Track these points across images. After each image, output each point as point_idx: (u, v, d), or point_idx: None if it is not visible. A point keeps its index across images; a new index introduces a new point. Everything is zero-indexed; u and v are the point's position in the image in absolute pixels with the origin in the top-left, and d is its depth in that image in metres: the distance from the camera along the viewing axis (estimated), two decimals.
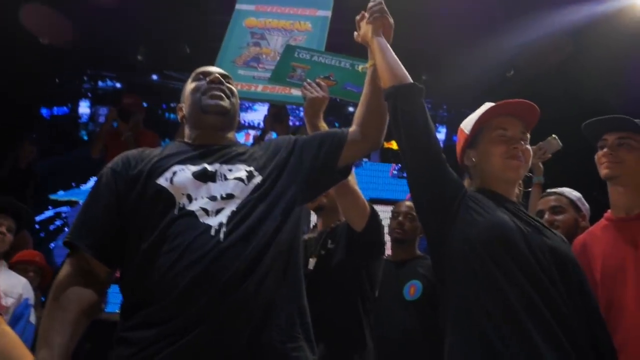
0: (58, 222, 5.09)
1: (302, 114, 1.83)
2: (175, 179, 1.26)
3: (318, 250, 2.00)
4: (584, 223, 2.12)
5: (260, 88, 2.04)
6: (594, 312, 1.25)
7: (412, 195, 1.37)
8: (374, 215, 1.88)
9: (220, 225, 1.18)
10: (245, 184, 1.28)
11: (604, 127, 1.71)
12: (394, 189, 5.22)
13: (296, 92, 1.96)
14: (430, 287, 2.21)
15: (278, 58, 2.10)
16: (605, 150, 1.67)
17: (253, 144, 4.45)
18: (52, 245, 4.91)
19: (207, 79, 1.44)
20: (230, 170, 1.31)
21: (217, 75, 1.44)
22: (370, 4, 1.54)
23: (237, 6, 2.45)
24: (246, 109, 5.71)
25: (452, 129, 5.88)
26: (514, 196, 1.39)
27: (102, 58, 5.39)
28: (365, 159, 5.36)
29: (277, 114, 3.96)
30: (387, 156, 5.46)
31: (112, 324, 1.21)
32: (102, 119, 5.75)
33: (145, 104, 4.93)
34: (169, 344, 1.07)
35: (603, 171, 1.67)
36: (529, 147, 1.37)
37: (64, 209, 5.08)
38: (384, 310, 2.17)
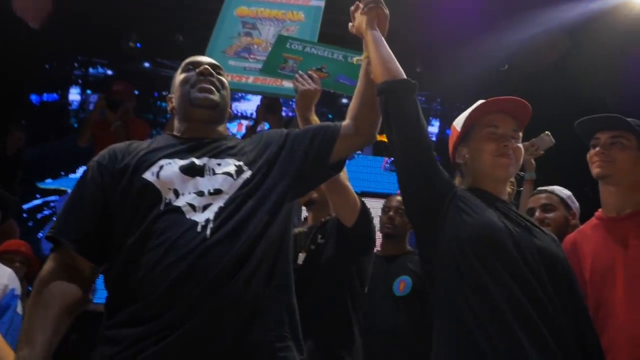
0: (46, 211, 5.04)
1: (295, 105, 1.80)
2: (162, 174, 1.23)
3: (308, 245, 1.98)
4: (574, 221, 2.13)
5: (251, 79, 2.00)
6: (583, 313, 1.25)
7: (401, 193, 1.35)
8: (365, 211, 1.86)
9: (207, 221, 1.16)
10: (234, 179, 1.25)
11: (596, 125, 1.70)
12: (385, 182, 5.20)
13: (288, 84, 1.92)
14: (420, 282, 2.21)
15: (270, 49, 2.06)
16: (597, 149, 1.66)
17: (245, 135, 4.46)
18: (40, 234, 4.86)
19: (197, 70, 1.40)
20: (219, 164, 1.28)
21: (207, 66, 1.40)
22: None
23: None
24: (239, 99, 5.66)
25: (446, 123, 5.88)
26: (505, 194, 1.38)
27: (94, 44, 5.30)
28: (357, 152, 5.34)
29: (270, 105, 3.92)
30: (380, 149, 5.45)
31: (99, 315, 1.18)
32: (92, 107, 5.68)
33: (136, 92, 4.89)
34: (154, 343, 1.04)
35: (595, 170, 1.66)
36: (520, 145, 1.35)
37: (52, 197, 5.03)
38: (373, 306, 2.17)
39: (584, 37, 3.95)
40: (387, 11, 1.48)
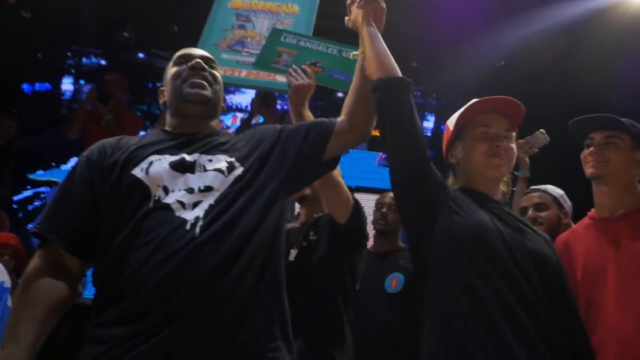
0: (37, 203, 4.99)
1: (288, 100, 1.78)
2: (151, 170, 1.21)
3: (300, 241, 1.97)
4: (567, 220, 2.14)
5: (244, 73, 1.97)
6: (573, 314, 1.24)
7: (394, 191, 1.34)
8: (358, 208, 1.84)
9: (197, 219, 1.14)
10: (225, 176, 1.23)
11: (590, 125, 1.69)
12: (380, 177, 5.18)
13: (281, 78, 1.90)
14: (412, 280, 2.20)
15: (263, 42, 2.04)
16: (591, 149, 1.66)
17: (239, 128, 4.42)
18: (31, 226, 4.79)
19: (189, 64, 1.37)
20: (210, 160, 1.26)
21: (199, 60, 1.37)
22: None
23: None
24: (234, 91, 5.62)
25: (441, 118, 5.87)
26: (498, 194, 1.37)
27: (87, 34, 5.23)
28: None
29: (265, 98, 3.88)
30: (374, 144, 5.42)
31: (89, 309, 1.16)
32: (85, 97, 5.65)
33: (130, 83, 4.83)
34: (141, 342, 1.03)
35: (588, 170, 1.66)
36: (512, 145, 1.34)
37: (43, 189, 4.98)
38: (365, 303, 2.16)
39: (582, 36, 3.94)
40: (383, 5, 1.44)
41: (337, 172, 1.72)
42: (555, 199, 2.13)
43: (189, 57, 1.39)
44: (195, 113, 1.35)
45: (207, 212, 1.15)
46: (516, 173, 2.38)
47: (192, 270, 1.07)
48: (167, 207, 1.16)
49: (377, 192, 3.62)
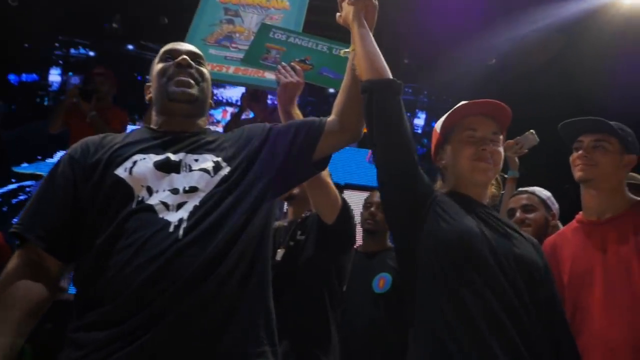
0: (22, 196, 4.92)
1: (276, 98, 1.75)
2: (135, 170, 1.17)
3: (287, 241, 1.95)
4: (554, 222, 2.15)
5: (232, 70, 1.92)
6: (560, 321, 1.23)
7: (380, 191, 1.32)
8: (346, 208, 1.82)
9: (181, 221, 1.11)
10: (211, 176, 1.20)
11: (579, 128, 1.69)
12: (370, 174, 5.16)
13: (270, 75, 1.86)
14: (399, 280, 2.19)
15: (252, 38, 2.00)
16: (580, 152, 1.66)
17: (229, 122, 4.37)
18: (15, 220, 4.69)
19: (175, 60, 1.32)
20: (196, 160, 1.23)
21: (186, 56, 1.33)
22: None
23: None
24: (224, 85, 5.56)
25: (432, 115, 5.87)
26: (486, 198, 1.35)
27: (75, 24, 5.14)
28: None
29: (255, 93, 3.84)
30: (364, 141, 5.39)
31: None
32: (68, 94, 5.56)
33: (119, 75, 4.76)
34: (120, 347, 1.00)
35: (577, 174, 1.66)
36: (500, 149, 1.32)
37: (28, 182, 4.90)
38: (352, 303, 2.15)
39: (573, 37, 3.95)
40: (375, 2, 1.41)
41: (326, 172, 1.70)
42: (542, 201, 2.13)
43: (175, 53, 1.35)
44: (181, 112, 1.31)
45: (192, 214, 1.12)
46: (505, 175, 2.38)
47: (175, 272, 1.04)
48: (150, 208, 1.12)
49: (367, 189, 3.61)
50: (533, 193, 2.16)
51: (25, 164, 4.98)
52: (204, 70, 1.38)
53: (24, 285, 1.11)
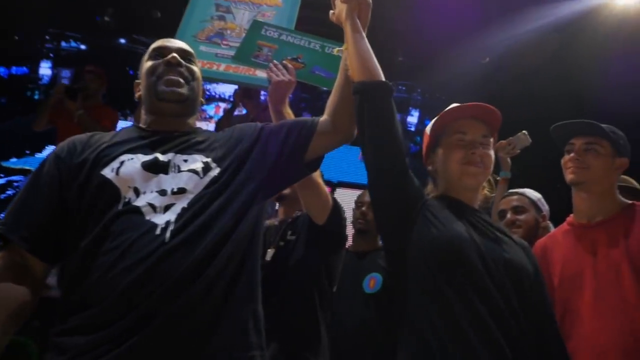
0: (10, 191, 4.84)
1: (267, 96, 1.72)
2: (122, 170, 1.15)
3: (277, 241, 1.93)
4: (545, 223, 2.15)
5: (222, 67, 1.89)
6: (550, 327, 1.23)
7: (370, 195, 1.30)
8: (337, 209, 1.81)
9: (168, 223, 1.08)
10: (200, 177, 1.18)
11: (571, 130, 1.69)
12: (362, 172, 5.12)
13: (261, 73, 1.83)
14: (390, 280, 2.18)
15: (243, 35, 1.97)
16: (572, 155, 1.66)
17: (221, 118, 4.34)
18: (2, 216, 4.63)
19: (164, 59, 1.29)
20: (185, 160, 1.20)
21: (175, 54, 1.30)
22: None
23: None
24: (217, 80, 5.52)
25: (425, 113, 5.87)
26: (477, 202, 1.34)
27: (67, 17, 5.07)
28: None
29: (248, 90, 3.81)
30: (357, 139, 5.39)
31: None
32: (64, 82, 5.47)
33: (110, 69, 4.70)
34: (106, 351, 0.98)
35: (569, 176, 1.66)
36: (490, 151, 1.31)
37: (16, 177, 4.84)
38: (342, 303, 2.14)
39: (567, 37, 3.95)
40: (369, 0, 1.37)
41: (317, 173, 1.68)
42: (533, 202, 2.14)
43: (165, 51, 1.32)
44: (170, 111, 1.29)
45: (179, 216, 1.10)
46: (497, 177, 2.38)
47: (159, 277, 1.02)
48: (137, 210, 1.10)
49: (360, 187, 3.59)
50: (523, 194, 2.16)
51: (13, 159, 4.91)
52: (195, 68, 1.35)
53: (7, 288, 1.08)
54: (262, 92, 3.99)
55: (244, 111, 4.07)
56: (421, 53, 4.78)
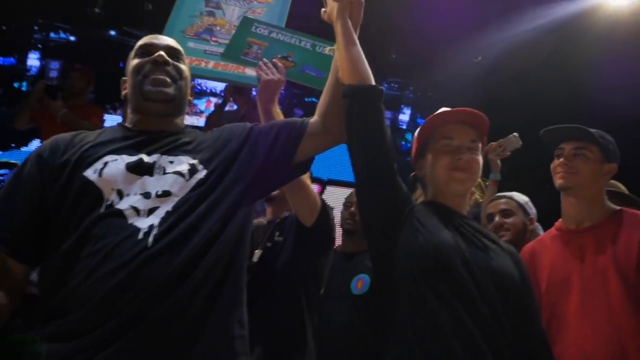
0: None
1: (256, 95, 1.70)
2: (106, 171, 1.12)
3: (265, 242, 1.91)
4: (532, 226, 2.16)
5: (211, 64, 1.85)
6: (536, 335, 1.22)
7: (357, 199, 1.29)
8: (325, 211, 1.79)
9: (151, 227, 1.06)
10: (186, 180, 1.15)
11: (561, 135, 1.69)
12: (352, 170, 5.13)
13: (250, 71, 1.80)
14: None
15: (233, 31, 1.94)
16: (561, 159, 1.66)
17: (212, 113, 4.29)
18: None
19: (151, 57, 1.26)
20: (171, 162, 1.18)
21: (162, 53, 1.27)
22: None
23: None
24: None
25: (417, 111, 5.87)
26: (465, 207, 1.33)
27: (56, 7, 4.99)
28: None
29: (239, 86, 3.77)
30: None
31: None
32: (53, 74, 5.39)
33: (100, 61, 4.63)
34: (87, 358, 0.95)
35: (558, 181, 1.66)
36: (477, 157, 1.29)
37: (1, 171, 4.76)
38: (330, 304, 2.12)
39: (561, 39, 3.96)
40: None
41: (305, 175, 1.66)
42: (520, 206, 2.15)
43: (151, 48, 1.29)
44: (156, 111, 1.26)
45: (163, 220, 1.08)
46: (486, 181, 2.38)
47: (141, 284, 1.00)
48: (120, 213, 1.08)
49: (350, 185, 3.57)
50: (511, 198, 2.17)
51: None
52: (182, 67, 1.32)
53: None
54: (254, 88, 3.95)
55: (235, 107, 4.03)
56: (415, 51, 4.76)
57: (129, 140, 1.21)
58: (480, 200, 1.38)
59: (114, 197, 1.10)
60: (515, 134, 2.47)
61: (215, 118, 3.90)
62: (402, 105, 5.84)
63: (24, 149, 4.78)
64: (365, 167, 1.23)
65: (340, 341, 2.11)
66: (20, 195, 1.12)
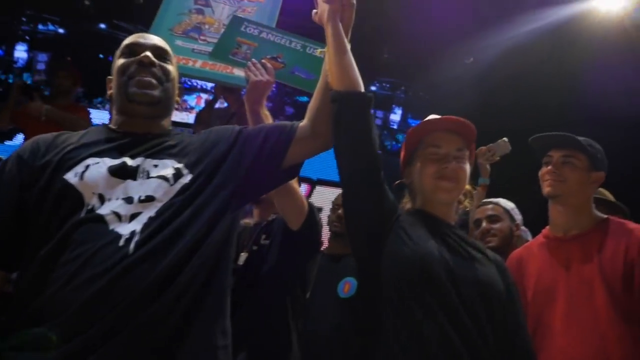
0: None
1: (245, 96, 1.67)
2: (87, 175, 1.09)
3: (250, 245, 1.88)
4: (518, 232, 2.17)
5: (199, 64, 1.82)
6: (522, 347, 1.21)
7: (344, 205, 1.27)
8: (312, 215, 1.77)
9: (132, 234, 1.03)
10: (170, 185, 1.12)
11: (549, 142, 1.69)
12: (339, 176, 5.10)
13: (239, 72, 1.78)
14: None
15: (222, 30, 1.91)
16: (549, 167, 1.65)
17: (202, 110, 4.25)
18: None
19: (137, 57, 1.23)
20: (155, 166, 1.15)
21: (149, 54, 1.23)
22: None
23: None
24: None
25: (408, 111, 5.87)
26: (452, 216, 1.32)
27: None
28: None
29: None
30: None
31: None
32: (40, 66, 5.31)
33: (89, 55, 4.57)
34: None
35: (546, 189, 1.66)
36: (464, 165, 1.28)
37: None
38: (317, 307, 2.10)
39: (551, 44, 3.97)
40: (353, 1, 1.30)
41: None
42: (507, 211, 2.16)
43: (138, 48, 1.26)
44: (141, 114, 1.23)
45: (146, 226, 1.05)
46: (474, 190, 2.37)
47: (120, 292, 0.97)
48: (101, 218, 1.04)
49: (339, 186, 3.53)
50: (497, 204, 2.18)
51: None
52: (170, 68, 1.29)
53: None
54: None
55: (226, 104, 3.99)
56: (407, 51, 4.76)
57: (112, 143, 1.18)
58: (468, 209, 1.37)
59: (95, 201, 1.07)
60: (504, 138, 2.47)
61: (205, 115, 3.86)
62: (394, 105, 5.84)
63: (8, 143, 4.70)
64: (351, 175, 1.21)
65: (326, 344, 2.10)
66: None
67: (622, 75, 3.77)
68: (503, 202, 2.19)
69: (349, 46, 1.29)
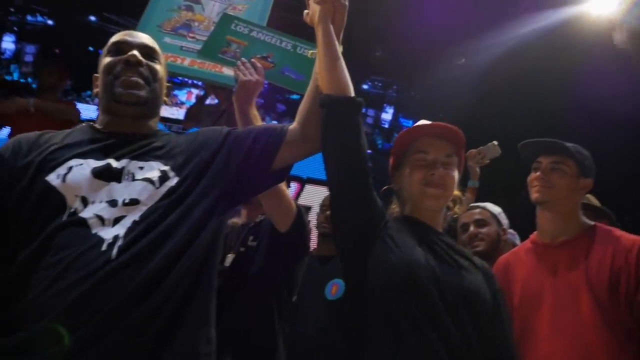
0: None
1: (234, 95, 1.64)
2: (70, 177, 1.06)
3: (238, 246, 1.86)
4: (505, 236, 2.17)
5: (187, 62, 1.80)
6: (507, 353, 1.20)
7: (331, 209, 1.26)
8: (300, 217, 1.75)
9: (116, 238, 1.00)
10: (156, 188, 1.09)
11: (538, 149, 1.69)
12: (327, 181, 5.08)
13: (228, 71, 1.76)
14: None
15: (212, 28, 1.88)
16: (538, 173, 1.65)
17: (193, 105, 4.21)
18: None
19: (124, 56, 1.20)
20: (141, 168, 1.12)
21: (136, 53, 1.21)
22: None
23: None
24: None
25: (400, 110, 5.87)
26: (440, 223, 1.31)
27: None
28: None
29: None
30: None
31: None
32: (28, 58, 5.24)
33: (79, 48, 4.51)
34: None
35: (534, 195, 1.66)
36: (452, 172, 1.27)
37: None
38: (304, 308, 2.09)
39: (541, 50, 3.99)
40: (345, 2, 1.28)
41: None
42: (494, 216, 2.16)
43: (125, 47, 1.23)
44: (127, 114, 1.20)
45: (130, 230, 1.02)
46: (464, 193, 2.38)
47: (102, 298, 0.94)
48: (83, 222, 1.02)
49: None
50: (485, 208, 2.18)
51: None
52: (157, 67, 1.26)
53: None
54: None
55: (216, 100, 3.95)
56: (400, 50, 4.75)
57: (97, 144, 1.16)
58: (457, 216, 1.37)
59: (77, 204, 1.04)
60: (494, 142, 2.47)
61: (196, 111, 3.83)
62: (385, 104, 5.84)
63: None
64: (339, 180, 1.20)
65: (313, 346, 2.09)
66: None
67: (614, 78, 3.79)
68: (490, 206, 2.19)
69: (340, 49, 1.28)
